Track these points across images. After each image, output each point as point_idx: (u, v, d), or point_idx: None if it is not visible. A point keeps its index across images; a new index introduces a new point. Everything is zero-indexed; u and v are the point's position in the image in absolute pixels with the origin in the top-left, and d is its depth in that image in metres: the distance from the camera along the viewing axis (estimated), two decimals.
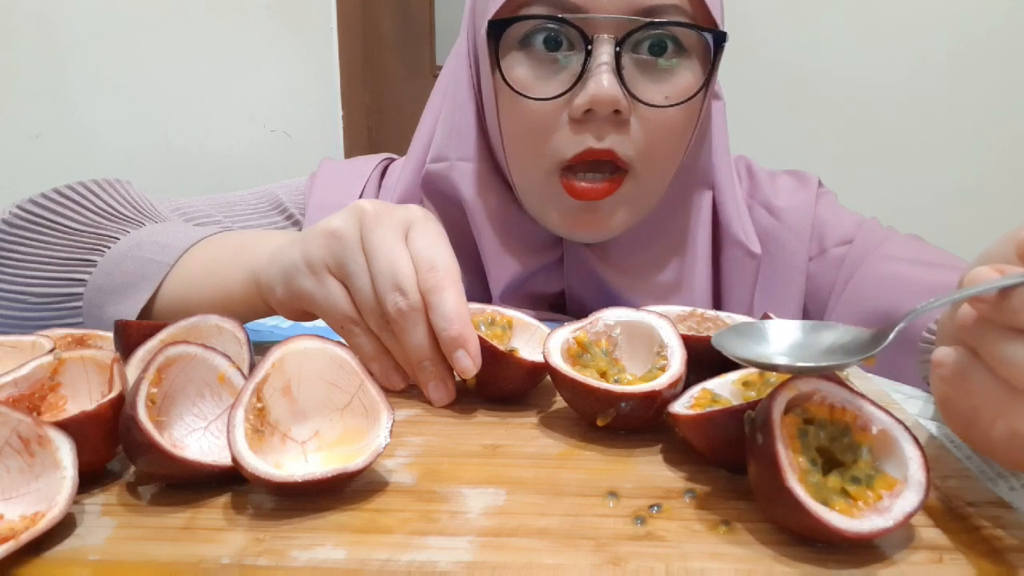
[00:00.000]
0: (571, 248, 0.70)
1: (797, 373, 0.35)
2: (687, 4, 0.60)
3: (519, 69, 0.62)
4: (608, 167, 0.62)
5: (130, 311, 0.58)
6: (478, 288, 0.71)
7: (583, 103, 0.59)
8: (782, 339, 0.37)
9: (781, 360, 0.35)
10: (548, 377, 0.44)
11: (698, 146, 0.69)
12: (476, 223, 0.69)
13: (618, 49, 0.58)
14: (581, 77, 0.59)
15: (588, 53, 0.59)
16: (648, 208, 0.67)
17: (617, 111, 0.59)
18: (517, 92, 0.61)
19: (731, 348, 0.36)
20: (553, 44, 0.61)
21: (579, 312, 0.68)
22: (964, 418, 0.36)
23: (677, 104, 0.61)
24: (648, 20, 0.59)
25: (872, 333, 0.35)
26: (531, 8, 0.60)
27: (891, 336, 0.34)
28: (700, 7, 0.62)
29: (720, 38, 0.62)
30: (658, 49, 0.61)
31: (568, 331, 0.46)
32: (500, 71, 0.62)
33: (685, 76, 0.62)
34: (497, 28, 0.61)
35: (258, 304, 0.54)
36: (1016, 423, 0.31)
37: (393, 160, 0.81)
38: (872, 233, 0.72)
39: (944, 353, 0.33)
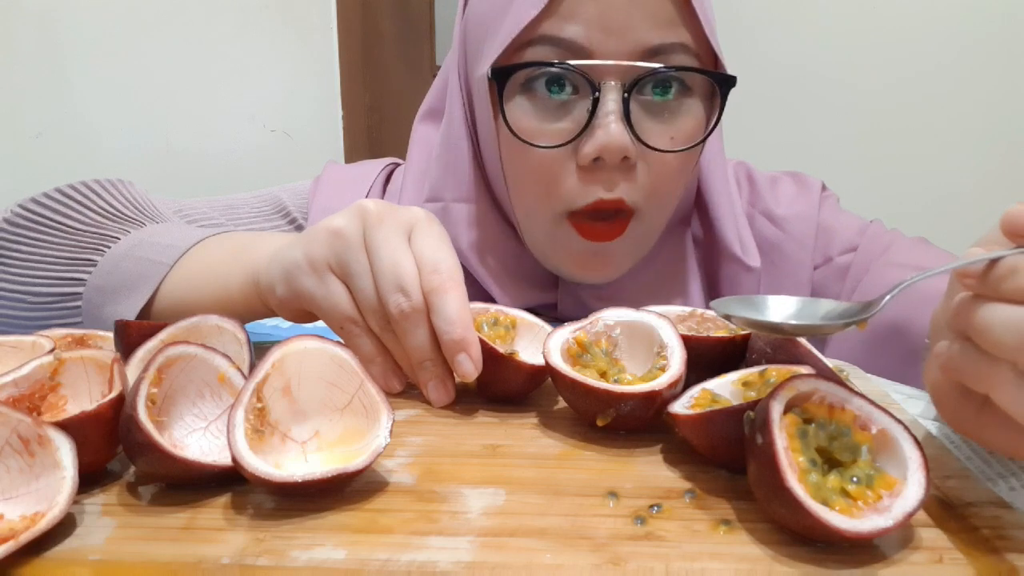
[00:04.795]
0: (566, 287, 0.70)
1: (794, 334, 0.39)
2: (691, 41, 0.59)
3: (523, 115, 0.60)
4: (614, 213, 0.62)
5: (129, 311, 0.58)
6: None
7: (592, 151, 0.58)
8: (779, 310, 0.40)
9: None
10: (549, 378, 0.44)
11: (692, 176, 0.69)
12: (473, 265, 0.68)
13: (626, 96, 0.57)
14: (589, 124, 0.58)
15: (595, 101, 0.58)
16: (649, 246, 0.67)
17: (625, 157, 0.59)
18: (523, 140, 0.60)
19: (733, 312, 0.39)
20: (557, 88, 0.59)
21: None
22: (955, 405, 0.36)
23: (685, 149, 0.61)
24: (656, 67, 0.58)
25: (863, 304, 0.37)
26: (534, 50, 0.59)
27: (884, 302, 0.36)
28: (703, 43, 0.61)
29: (729, 83, 0.61)
30: (663, 90, 0.60)
31: (568, 331, 0.46)
32: (505, 119, 0.60)
33: (689, 115, 0.61)
34: (500, 76, 0.60)
35: (257, 305, 0.54)
36: (998, 394, 0.32)
37: (398, 165, 0.81)
38: (877, 239, 0.71)
39: (941, 345, 0.34)
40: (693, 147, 0.62)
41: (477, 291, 0.69)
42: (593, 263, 0.65)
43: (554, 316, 0.71)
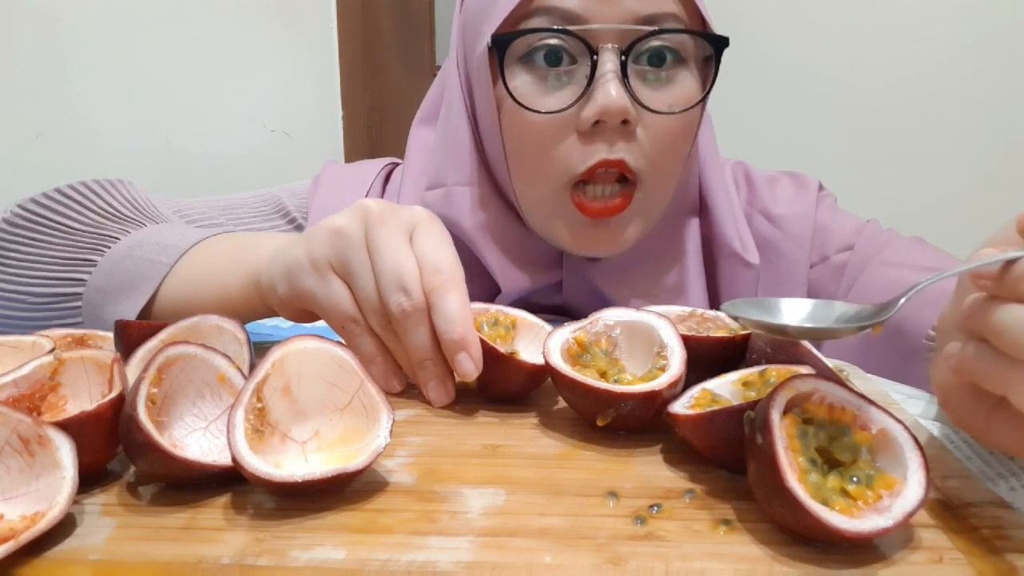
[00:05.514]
0: (571, 268, 0.70)
1: (806, 337, 0.37)
2: (683, 12, 0.61)
3: (523, 85, 0.61)
4: (616, 178, 0.62)
5: (130, 311, 0.58)
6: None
7: (592, 114, 0.59)
8: (792, 313, 0.39)
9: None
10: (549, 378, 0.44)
11: (690, 158, 0.69)
12: (478, 246, 0.69)
13: (623, 58, 0.58)
14: (588, 88, 0.59)
15: (593, 64, 0.58)
16: (656, 219, 0.68)
17: (625, 121, 0.59)
18: (523, 106, 0.61)
19: (743, 315, 0.39)
20: (555, 58, 0.60)
21: None
22: (966, 406, 0.36)
23: (683, 111, 0.62)
24: (652, 29, 0.59)
25: (877, 307, 0.37)
26: (532, 21, 0.60)
27: (899, 305, 0.36)
28: (694, 14, 0.62)
29: (722, 44, 0.62)
30: (658, 59, 0.61)
31: (568, 331, 0.46)
32: (506, 85, 0.61)
33: (685, 84, 0.62)
34: (501, 43, 0.60)
35: (257, 305, 0.54)
36: (1016, 396, 0.31)
37: (397, 164, 0.81)
38: (873, 238, 0.72)
39: (953, 346, 0.34)
40: (691, 108, 0.62)
41: (481, 276, 0.69)
42: (595, 237, 0.65)
43: (559, 303, 0.71)
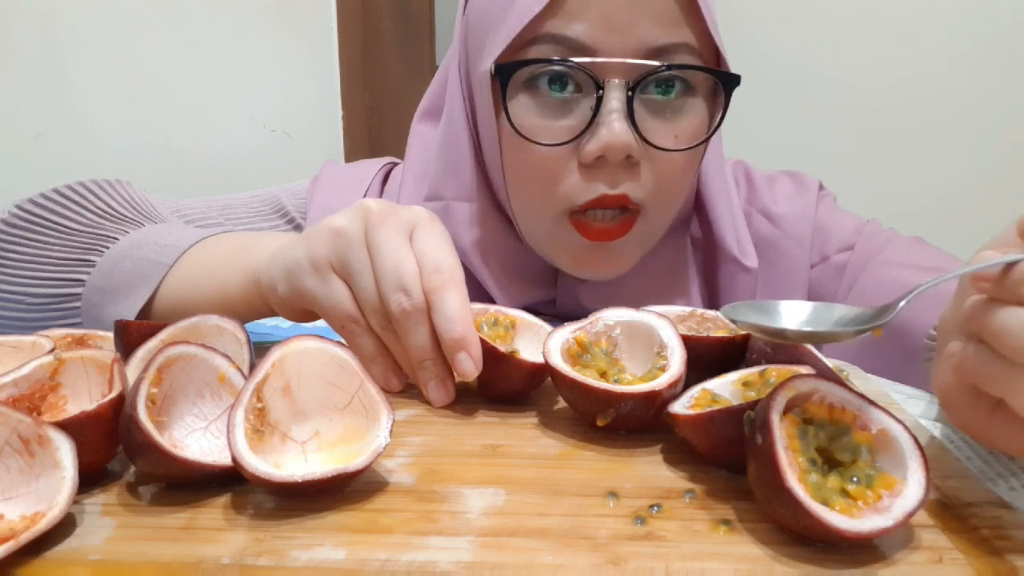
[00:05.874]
0: (564, 286, 0.70)
1: (806, 341, 0.38)
2: (695, 41, 0.59)
3: (525, 113, 0.60)
4: (620, 210, 0.61)
5: (129, 311, 0.58)
6: None
7: (595, 150, 0.58)
8: (792, 315, 0.39)
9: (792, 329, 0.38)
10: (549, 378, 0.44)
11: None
12: (475, 263, 0.68)
13: (630, 94, 0.57)
14: (592, 122, 0.58)
15: (599, 99, 0.57)
16: (654, 242, 0.67)
17: (629, 156, 0.58)
18: (525, 138, 0.60)
19: (742, 318, 0.38)
20: (560, 86, 0.59)
21: None
22: (966, 406, 0.36)
23: (689, 148, 0.61)
24: (661, 65, 0.57)
25: (876, 310, 0.37)
26: (538, 47, 0.59)
27: (899, 308, 0.36)
28: (707, 43, 0.60)
29: (733, 81, 0.61)
30: (666, 88, 0.59)
31: (568, 331, 0.46)
32: (508, 116, 0.60)
33: (693, 114, 0.61)
34: (504, 71, 0.59)
35: (257, 304, 0.54)
36: (1014, 398, 0.31)
37: (396, 164, 0.81)
38: (874, 238, 0.72)
39: (953, 346, 0.34)
40: (697, 146, 0.62)
41: (476, 290, 0.69)
42: (594, 260, 0.65)
43: (553, 314, 0.71)
